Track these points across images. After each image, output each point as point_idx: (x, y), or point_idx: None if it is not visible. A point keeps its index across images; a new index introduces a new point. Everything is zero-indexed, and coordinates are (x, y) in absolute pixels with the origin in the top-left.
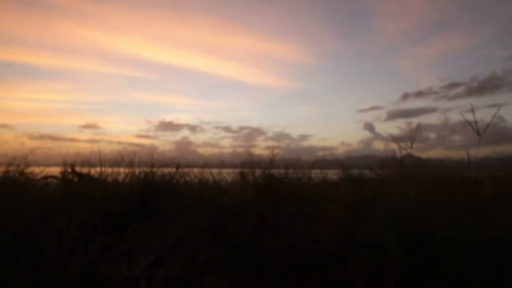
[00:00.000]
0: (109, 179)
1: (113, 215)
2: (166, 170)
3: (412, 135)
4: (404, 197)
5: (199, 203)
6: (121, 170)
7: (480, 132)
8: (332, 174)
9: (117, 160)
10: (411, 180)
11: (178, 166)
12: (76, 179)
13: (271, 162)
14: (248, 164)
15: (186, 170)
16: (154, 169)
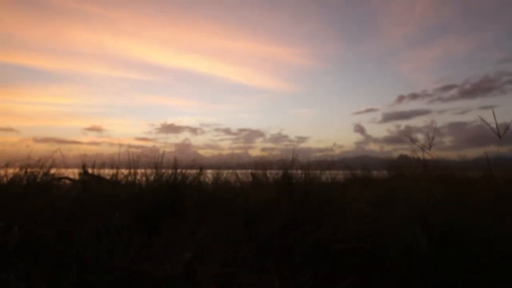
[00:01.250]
0: (134, 180)
1: (143, 214)
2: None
3: (430, 137)
4: (426, 195)
5: (225, 203)
6: (136, 171)
7: (501, 134)
8: (339, 175)
9: (132, 162)
10: (424, 179)
11: (201, 167)
12: (89, 180)
13: (292, 163)
14: (261, 165)
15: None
16: (178, 171)
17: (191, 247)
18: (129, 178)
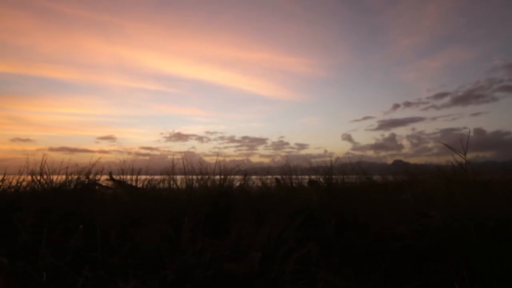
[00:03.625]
0: (170, 186)
1: (204, 217)
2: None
3: (465, 144)
4: (470, 195)
5: (276, 205)
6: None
7: None
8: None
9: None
10: (467, 182)
11: (246, 173)
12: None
13: (331, 169)
14: (287, 171)
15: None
16: (223, 176)
17: (257, 246)
18: (165, 184)
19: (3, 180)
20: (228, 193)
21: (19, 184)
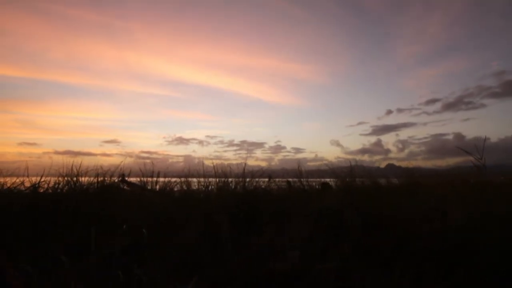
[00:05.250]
0: (188, 187)
1: (234, 217)
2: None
3: (481, 149)
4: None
5: (297, 207)
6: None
7: None
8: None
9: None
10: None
11: (270, 176)
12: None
13: (350, 171)
14: (299, 174)
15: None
16: (247, 179)
17: (293, 244)
18: (184, 186)
19: (39, 182)
20: (254, 194)
21: (56, 186)
